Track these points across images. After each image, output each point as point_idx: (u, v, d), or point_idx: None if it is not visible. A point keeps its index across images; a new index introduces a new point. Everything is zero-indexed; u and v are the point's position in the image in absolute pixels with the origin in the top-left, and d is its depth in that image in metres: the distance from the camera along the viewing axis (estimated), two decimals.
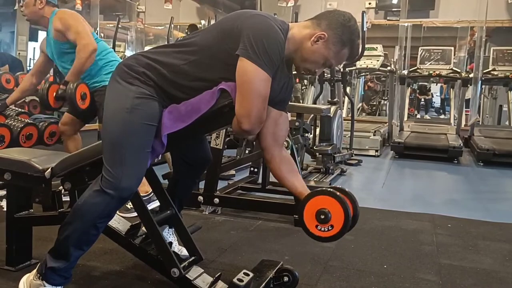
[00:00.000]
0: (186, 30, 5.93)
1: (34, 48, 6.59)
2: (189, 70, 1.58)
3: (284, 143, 1.84)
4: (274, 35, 1.52)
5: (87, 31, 2.75)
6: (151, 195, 2.73)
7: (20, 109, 3.34)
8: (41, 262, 1.71)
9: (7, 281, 1.93)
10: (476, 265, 2.37)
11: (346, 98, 6.74)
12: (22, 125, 3.02)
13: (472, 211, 3.46)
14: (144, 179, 1.70)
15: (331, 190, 1.57)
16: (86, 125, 3.18)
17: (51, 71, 3.71)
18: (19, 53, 6.27)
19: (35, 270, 1.72)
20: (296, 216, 2.86)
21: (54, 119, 3.36)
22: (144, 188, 2.83)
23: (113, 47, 5.81)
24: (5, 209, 2.09)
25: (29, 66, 6.23)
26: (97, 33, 6.45)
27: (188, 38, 1.65)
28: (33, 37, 6.38)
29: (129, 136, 1.56)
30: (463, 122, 7.45)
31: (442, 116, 12.73)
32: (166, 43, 5.59)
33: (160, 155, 1.72)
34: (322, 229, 1.55)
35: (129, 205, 2.51)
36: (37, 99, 3.92)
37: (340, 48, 1.60)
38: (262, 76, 1.49)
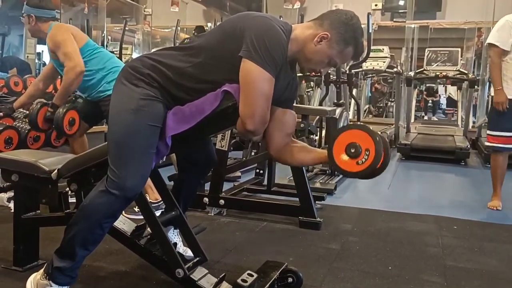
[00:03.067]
0: (194, 32, 5.96)
1: (42, 51, 6.65)
2: (194, 72, 1.60)
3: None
4: (276, 36, 1.53)
5: (75, 50, 2.72)
6: (160, 203, 2.75)
7: (28, 112, 3.36)
8: (48, 262, 1.73)
9: (15, 281, 1.96)
10: (482, 267, 2.36)
11: (353, 100, 6.73)
12: (30, 127, 3.05)
13: (478, 213, 3.44)
14: (154, 188, 1.71)
15: (360, 124, 1.56)
16: (93, 127, 3.21)
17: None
18: (27, 56, 6.33)
19: (42, 270, 1.74)
20: (301, 218, 2.88)
21: None
22: (155, 195, 2.85)
23: (120, 50, 5.86)
24: (12, 211, 2.12)
25: (37, 69, 6.29)
26: (104, 36, 6.54)
27: (193, 41, 1.67)
28: (41, 40, 6.45)
29: (133, 136, 1.58)
30: (471, 124, 7.41)
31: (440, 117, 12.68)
32: (172, 45, 5.62)
33: (166, 157, 1.74)
34: (359, 161, 1.51)
35: (137, 208, 2.53)
36: (45, 102, 3.97)
37: (344, 46, 1.61)
38: (265, 77, 1.51)
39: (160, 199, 2.63)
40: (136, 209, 2.61)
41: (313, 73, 6.78)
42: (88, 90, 2.85)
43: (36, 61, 6.51)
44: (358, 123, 4.68)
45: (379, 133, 1.59)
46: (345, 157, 1.54)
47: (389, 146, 1.60)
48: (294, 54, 1.63)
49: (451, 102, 11.66)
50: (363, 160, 1.51)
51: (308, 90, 8.11)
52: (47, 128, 2.88)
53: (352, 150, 1.52)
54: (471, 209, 3.61)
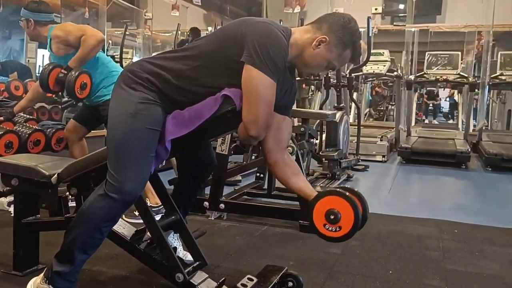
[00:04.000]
0: (188, 33, 5.96)
1: (43, 55, 6.66)
2: (193, 75, 1.60)
3: (289, 148, 1.85)
4: (278, 41, 1.53)
5: (89, 27, 2.80)
6: (160, 207, 2.74)
7: (28, 116, 3.37)
8: (48, 266, 1.73)
9: (15, 285, 1.96)
10: (483, 270, 2.35)
11: (353, 104, 6.73)
12: (30, 131, 3.05)
13: (479, 217, 3.43)
14: (154, 192, 1.71)
15: (341, 190, 1.59)
16: (93, 131, 3.20)
17: None
18: (28, 60, 6.34)
19: (42, 274, 1.74)
20: (302, 222, 2.87)
21: (62, 126, 3.40)
22: (155, 200, 2.85)
23: (121, 54, 5.87)
24: (12, 215, 2.12)
25: (38, 73, 6.30)
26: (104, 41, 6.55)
27: (192, 44, 1.67)
28: (42, 44, 6.46)
29: (132, 140, 1.58)
30: (471, 127, 7.40)
31: (450, 121, 12.68)
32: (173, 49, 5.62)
33: (165, 161, 1.74)
34: (332, 229, 1.57)
35: (137, 212, 2.53)
36: (46, 106, 3.98)
37: (342, 50, 1.61)
38: (267, 83, 1.51)
39: (160, 203, 2.63)
40: (136, 213, 2.60)
41: (312, 77, 6.80)
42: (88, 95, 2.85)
43: (38, 64, 6.52)
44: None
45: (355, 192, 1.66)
46: (325, 223, 1.58)
47: (366, 203, 1.69)
48: (294, 58, 1.63)
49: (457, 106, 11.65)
50: (338, 228, 1.57)
51: (304, 97, 8.09)
52: (58, 89, 2.83)
53: (332, 217, 1.56)
54: (472, 213, 3.61)
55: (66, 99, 4.06)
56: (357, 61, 4.83)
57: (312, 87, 8.04)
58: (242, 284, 1.74)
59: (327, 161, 4.54)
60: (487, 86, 7.38)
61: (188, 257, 1.98)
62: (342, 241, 1.60)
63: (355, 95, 6.83)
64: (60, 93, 2.99)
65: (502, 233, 3.03)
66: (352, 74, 5.35)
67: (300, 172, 1.78)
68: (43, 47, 6.47)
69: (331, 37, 1.59)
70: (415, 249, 2.65)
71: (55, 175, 1.87)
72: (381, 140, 6.37)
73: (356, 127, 5.63)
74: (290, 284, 1.93)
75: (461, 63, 7.88)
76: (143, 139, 1.59)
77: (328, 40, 1.59)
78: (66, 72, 2.72)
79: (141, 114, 1.58)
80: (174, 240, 2.08)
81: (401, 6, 9.47)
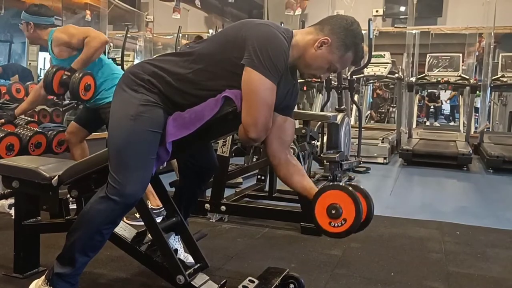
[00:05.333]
0: (192, 42, 5.97)
1: (45, 58, 6.67)
2: (194, 78, 1.60)
3: (290, 150, 1.84)
4: (278, 43, 1.53)
5: (92, 29, 2.81)
6: (161, 209, 2.74)
7: (29, 118, 3.37)
8: (49, 268, 1.73)
9: None
10: (485, 273, 2.34)
11: (354, 106, 6.72)
12: (31, 133, 3.05)
13: (481, 219, 3.42)
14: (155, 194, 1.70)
15: (341, 184, 1.58)
16: (94, 133, 3.20)
17: None
18: (29, 63, 6.35)
19: (43, 276, 1.74)
20: (303, 224, 2.86)
21: (63, 128, 3.39)
22: (156, 202, 2.85)
23: (122, 57, 5.88)
24: (13, 217, 2.12)
25: (40, 75, 6.31)
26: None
27: (193, 47, 1.67)
28: (43, 47, 6.46)
29: (133, 142, 1.57)
30: (472, 129, 7.39)
31: (452, 123, 12.66)
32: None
33: (166, 163, 1.74)
34: (334, 224, 1.56)
35: (138, 214, 2.52)
36: (47, 108, 3.98)
37: (344, 52, 1.61)
38: (267, 85, 1.51)
39: (161, 205, 2.62)
40: (137, 215, 2.60)
41: (314, 79, 6.80)
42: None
43: (40, 67, 6.53)
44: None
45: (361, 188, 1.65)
46: (327, 218, 1.57)
47: (371, 200, 1.66)
48: (295, 60, 1.63)
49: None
50: (342, 222, 1.55)
51: (311, 96, 8.09)
52: (62, 92, 2.83)
53: (333, 212, 1.55)
54: (474, 215, 3.60)
55: (67, 101, 4.06)
56: (359, 64, 4.83)
57: (314, 90, 8.03)
58: (244, 286, 1.73)
59: (328, 163, 4.53)
60: (489, 88, 7.36)
61: (189, 259, 1.97)
62: (347, 235, 1.57)
63: (356, 97, 6.82)
64: (64, 95, 2.99)
65: (504, 235, 3.02)
66: (353, 76, 5.35)
67: (303, 171, 1.79)
68: (44, 50, 6.48)
69: (333, 38, 1.59)
70: (417, 251, 2.64)
71: (56, 177, 1.86)
72: (382, 142, 6.37)
73: (357, 129, 5.62)
74: (292, 286, 1.92)
75: (462, 65, 7.88)
76: (145, 141, 1.58)
77: (330, 42, 1.59)
78: (69, 74, 2.73)
79: (143, 116, 1.58)
80: (175, 242, 2.07)
81: (402, 8, 9.47)
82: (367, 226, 1.66)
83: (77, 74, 2.71)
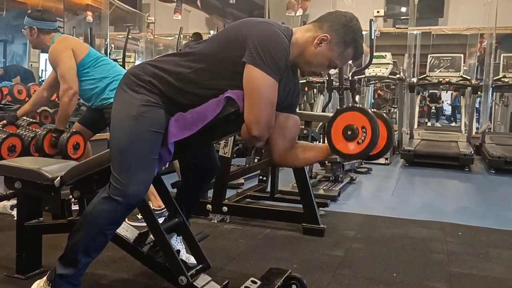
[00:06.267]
0: (191, 38, 5.97)
1: (46, 59, 6.68)
2: (195, 78, 1.60)
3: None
4: (279, 41, 1.53)
5: (69, 70, 2.77)
6: (163, 210, 2.74)
7: (31, 119, 3.38)
8: (51, 269, 1.73)
9: None
10: (487, 273, 2.34)
11: None
12: (33, 134, 3.05)
13: (483, 219, 3.42)
14: (157, 195, 1.70)
15: (357, 106, 1.57)
16: (97, 134, 3.21)
17: None
18: (31, 65, 6.37)
19: (45, 277, 1.73)
20: (305, 224, 2.86)
21: None
22: (158, 202, 2.85)
23: (123, 58, 5.89)
24: (15, 218, 2.12)
25: (41, 77, 6.33)
26: (107, 44, 6.57)
27: (194, 47, 1.67)
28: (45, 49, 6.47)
29: (135, 143, 1.57)
30: (474, 130, 7.39)
31: (453, 124, 12.65)
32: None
33: (168, 163, 1.74)
34: (359, 141, 1.52)
35: (140, 215, 2.53)
36: (49, 109, 3.99)
37: (344, 48, 1.61)
38: (269, 83, 1.51)
39: (163, 206, 2.63)
40: (139, 216, 2.60)
41: (315, 80, 6.80)
42: (92, 99, 2.87)
43: (41, 68, 6.54)
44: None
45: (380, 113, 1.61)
46: (344, 141, 1.54)
47: (390, 122, 1.62)
48: (295, 58, 1.63)
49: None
50: (362, 139, 1.51)
51: (311, 102, 8.09)
52: (54, 152, 2.91)
53: (349, 133, 1.53)
54: (476, 215, 3.59)
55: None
56: (359, 61, 4.83)
57: (315, 90, 8.04)
58: (246, 287, 1.73)
59: (330, 164, 4.53)
60: (490, 89, 7.36)
61: (191, 260, 1.97)
62: (363, 156, 1.54)
63: (357, 98, 6.81)
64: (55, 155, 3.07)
65: (506, 235, 3.01)
66: (355, 77, 5.35)
67: (308, 144, 1.79)
68: (46, 52, 6.50)
69: (332, 35, 1.59)
70: (419, 251, 2.64)
71: (58, 178, 1.87)
72: None
73: None
74: (294, 287, 1.92)
75: (464, 65, 7.88)
76: (146, 141, 1.58)
77: (329, 39, 1.59)
78: (56, 135, 2.82)
79: (144, 116, 1.58)
80: (177, 243, 2.07)
81: (403, 9, 9.48)
82: (384, 153, 1.62)
83: (65, 135, 2.80)
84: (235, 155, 4.19)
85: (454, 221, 3.29)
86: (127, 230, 1.90)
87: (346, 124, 1.53)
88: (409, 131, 7.18)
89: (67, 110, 2.80)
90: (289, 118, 1.74)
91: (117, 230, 1.76)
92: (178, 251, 1.96)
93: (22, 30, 2.95)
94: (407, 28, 8.96)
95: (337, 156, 1.68)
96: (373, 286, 2.13)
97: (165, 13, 8.70)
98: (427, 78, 7.30)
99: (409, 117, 7.43)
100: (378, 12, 8.63)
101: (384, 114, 1.62)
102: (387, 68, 7.13)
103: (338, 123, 1.55)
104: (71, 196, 1.91)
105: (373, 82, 9.16)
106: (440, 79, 7.09)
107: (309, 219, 2.88)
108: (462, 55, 7.68)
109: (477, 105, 8.22)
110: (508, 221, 3.41)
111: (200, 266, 1.85)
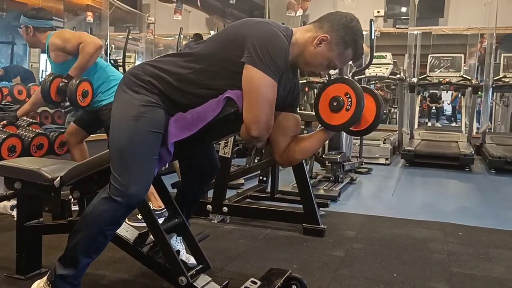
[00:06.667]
0: (191, 39, 5.98)
1: (46, 60, 6.68)
2: (195, 78, 1.59)
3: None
4: (278, 41, 1.53)
5: (81, 33, 2.84)
6: (163, 211, 2.74)
7: (31, 120, 3.38)
8: (51, 269, 1.73)
9: None
10: (488, 273, 2.33)
11: None
12: (33, 135, 3.05)
13: (483, 219, 3.42)
14: (157, 195, 1.70)
15: (345, 77, 1.63)
16: (94, 135, 3.21)
17: None
18: (31, 65, 6.36)
19: (45, 278, 1.73)
20: (305, 225, 2.86)
21: (64, 129, 3.39)
22: (158, 203, 2.85)
23: (123, 58, 5.89)
24: (15, 219, 2.12)
25: (41, 77, 6.32)
26: (107, 45, 6.57)
27: (194, 47, 1.67)
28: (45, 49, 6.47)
29: (135, 143, 1.57)
30: (474, 130, 7.38)
31: (454, 124, 12.65)
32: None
33: (168, 164, 1.74)
34: (347, 108, 1.59)
35: (140, 215, 2.52)
36: (49, 109, 3.99)
37: (344, 49, 1.61)
38: (268, 82, 1.50)
39: (163, 206, 2.62)
40: (139, 217, 2.60)
41: (315, 80, 6.79)
42: None
43: (41, 69, 6.55)
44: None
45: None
46: (334, 114, 1.62)
47: (378, 95, 1.67)
48: (295, 58, 1.63)
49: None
50: (349, 104, 1.59)
51: (311, 103, 8.08)
52: (60, 100, 2.86)
53: (335, 104, 1.60)
54: (476, 215, 3.59)
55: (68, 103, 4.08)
56: (359, 62, 4.82)
57: (315, 90, 8.03)
58: (246, 287, 1.73)
59: (330, 164, 4.53)
60: (491, 89, 7.35)
61: (191, 260, 1.97)
62: (346, 128, 1.62)
63: None
64: (62, 103, 3.01)
65: (507, 235, 3.01)
66: (355, 77, 5.34)
67: (299, 136, 1.80)
68: (46, 52, 6.50)
69: (332, 35, 1.59)
70: (419, 252, 2.63)
71: (58, 179, 1.86)
72: (384, 143, 6.36)
73: None
74: (294, 287, 1.92)
75: (464, 65, 7.87)
76: (146, 142, 1.58)
77: (329, 39, 1.59)
78: (66, 81, 2.75)
79: (144, 117, 1.58)
80: (177, 243, 2.06)
81: (404, 9, 9.47)
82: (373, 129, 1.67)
83: (74, 81, 2.73)
84: (235, 155, 4.20)
85: (454, 221, 3.29)
86: (127, 230, 1.90)
87: (330, 97, 1.61)
88: (409, 131, 7.18)
89: (88, 61, 2.74)
90: (290, 117, 1.74)
91: (117, 231, 1.76)
92: (178, 251, 1.96)
93: (19, 29, 2.95)
94: (407, 28, 8.95)
95: (334, 132, 1.72)
96: (373, 286, 2.13)
97: (165, 13, 8.70)
98: (428, 78, 7.30)
99: (410, 117, 7.43)
100: (378, 12, 8.63)
101: (372, 88, 1.69)
102: (387, 68, 7.13)
103: (323, 101, 1.63)
104: (71, 197, 1.90)
105: (373, 82, 9.15)
106: (441, 79, 7.09)
107: (309, 220, 2.87)
108: (462, 55, 7.68)
109: (477, 109, 8.22)
110: (508, 221, 3.41)
111: (200, 266, 1.85)
